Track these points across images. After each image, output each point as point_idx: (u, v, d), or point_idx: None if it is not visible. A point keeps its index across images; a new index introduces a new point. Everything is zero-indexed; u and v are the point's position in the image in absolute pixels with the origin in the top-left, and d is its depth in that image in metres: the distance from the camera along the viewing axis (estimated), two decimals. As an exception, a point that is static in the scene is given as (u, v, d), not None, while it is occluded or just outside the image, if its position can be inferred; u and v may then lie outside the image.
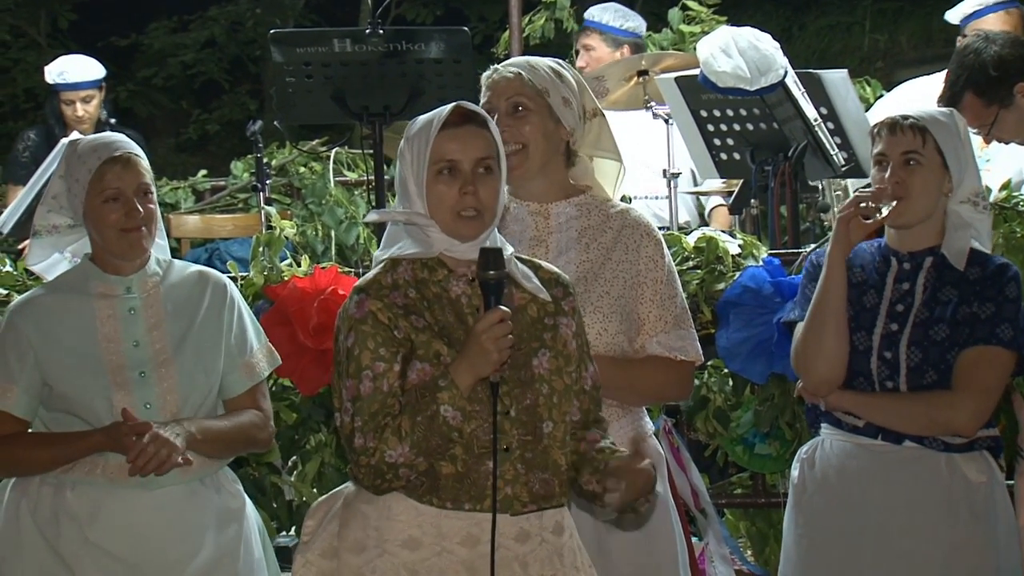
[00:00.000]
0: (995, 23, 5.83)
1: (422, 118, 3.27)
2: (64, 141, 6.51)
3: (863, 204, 3.85)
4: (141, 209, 3.77)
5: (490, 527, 3.15)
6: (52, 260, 3.98)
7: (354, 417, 3.14)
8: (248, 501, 3.96)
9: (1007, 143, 5.29)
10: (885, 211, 3.86)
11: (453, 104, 3.25)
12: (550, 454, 3.23)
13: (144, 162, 3.84)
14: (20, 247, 6.84)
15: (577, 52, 7.17)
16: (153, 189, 3.84)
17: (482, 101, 3.78)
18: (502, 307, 3.14)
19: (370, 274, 3.26)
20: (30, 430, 3.80)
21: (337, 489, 3.37)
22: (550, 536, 3.26)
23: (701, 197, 6.87)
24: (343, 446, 3.21)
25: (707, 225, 6.48)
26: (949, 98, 5.13)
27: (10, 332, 3.79)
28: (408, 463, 3.13)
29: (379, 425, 3.12)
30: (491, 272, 3.14)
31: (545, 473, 3.22)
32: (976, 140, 5.44)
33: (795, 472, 3.97)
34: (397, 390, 3.15)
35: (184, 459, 3.66)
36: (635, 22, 7.17)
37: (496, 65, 3.85)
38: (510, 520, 3.19)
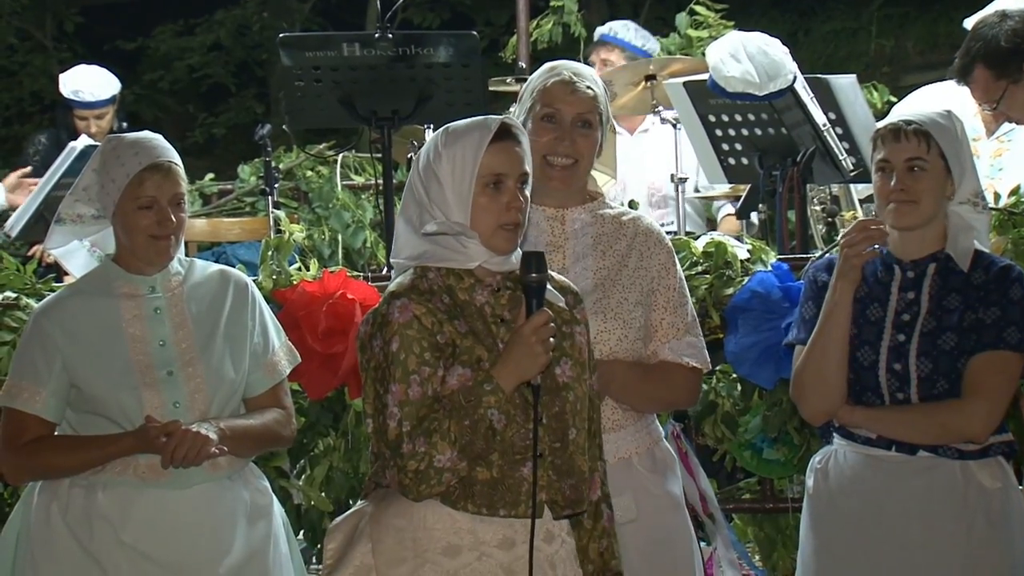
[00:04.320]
0: None
1: (458, 129, 3.26)
2: (72, 145, 6.56)
3: (873, 228, 3.78)
4: (174, 219, 3.80)
5: (524, 529, 3.17)
6: (71, 247, 4.00)
7: (401, 422, 3.13)
8: (274, 497, 3.97)
9: (1015, 121, 5.28)
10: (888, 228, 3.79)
11: (500, 118, 3.25)
12: (575, 461, 3.25)
13: (181, 171, 3.85)
14: (29, 252, 6.84)
15: (591, 63, 7.12)
16: (186, 198, 3.86)
17: (539, 105, 3.77)
18: (545, 309, 3.16)
19: (404, 279, 3.25)
20: (56, 432, 3.80)
21: (352, 510, 3.35)
22: (567, 537, 3.29)
23: (712, 204, 6.88)
24: (382, 451, 3.18)
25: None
26: (960, 68, 5.12)
27: (36, 335, 3.79)
28: (453, 467, 3.13)
29: (428, 429, 3.12)
30: (534, 275, 3.17)
31: (572, 479, 3.24)
32: (990, 147, 5.46)
33: (809, 482, 3.94)
34: (440, 395, 3.16)
35: (219, 448, 3.68)
36: (653, 44, 7.23)
37: (560, 68, 3.80)
38: (539, 522, 3.20)
